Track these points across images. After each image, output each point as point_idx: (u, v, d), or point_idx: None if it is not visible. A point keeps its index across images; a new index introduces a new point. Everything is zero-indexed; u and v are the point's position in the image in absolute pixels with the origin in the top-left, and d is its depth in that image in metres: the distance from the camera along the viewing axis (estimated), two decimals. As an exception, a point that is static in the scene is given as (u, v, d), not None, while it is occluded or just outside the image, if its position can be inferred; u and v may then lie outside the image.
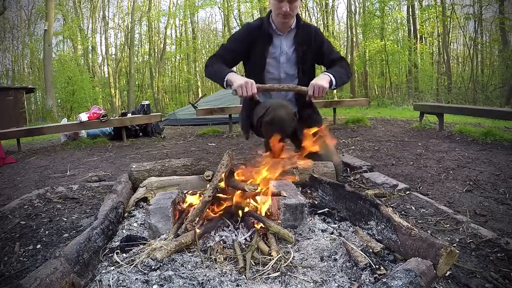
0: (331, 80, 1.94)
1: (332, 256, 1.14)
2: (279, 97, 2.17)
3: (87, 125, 4.83)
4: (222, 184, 1.44)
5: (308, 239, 1.28)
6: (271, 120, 1.90)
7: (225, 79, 1.94)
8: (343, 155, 2.77)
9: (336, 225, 1.42)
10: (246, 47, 2.12)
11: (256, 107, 2.12)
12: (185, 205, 1.51)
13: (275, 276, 1.03)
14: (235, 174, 1.48)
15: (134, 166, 2.00)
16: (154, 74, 23.12)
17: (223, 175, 1.43)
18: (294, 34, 2.13)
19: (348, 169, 2.39)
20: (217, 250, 1.18)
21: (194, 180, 1.86)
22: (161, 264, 1.08)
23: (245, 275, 1.04)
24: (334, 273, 1.05)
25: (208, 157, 3.28)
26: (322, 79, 1.93)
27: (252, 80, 1.85)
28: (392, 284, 0.84)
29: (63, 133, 5.12)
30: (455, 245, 1.26)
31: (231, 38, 2.20)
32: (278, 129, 1.91)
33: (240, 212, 1.38)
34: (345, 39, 19.84)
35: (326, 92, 1.91)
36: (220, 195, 1.43)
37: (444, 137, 3.97)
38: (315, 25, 2.55)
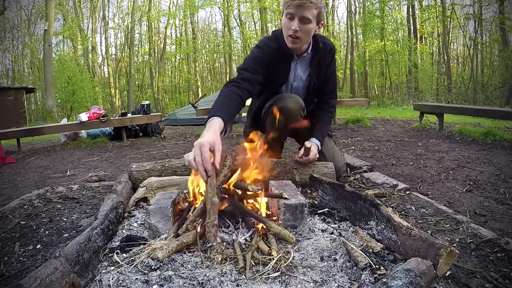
0: (318, 148, 1.97)
1: (332, 256, 1.14)
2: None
3: (87, 125, 4.84)
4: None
5: (308, 239, 1.28)
6: (279, 109, 1.88)
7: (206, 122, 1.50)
8: (343, 155, 2.77)
9: (336, 225, 1.42)
10: (266, 68, 1.91)
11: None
12: (185, 205, 1.51)
13: (275, 276, 1.03)
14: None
15: (134, 166, 2.00)
16: (154, 74, 23.13)
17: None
18: (310, 59, 2.00)
19: (348, 169, 2.39)
20: (217, 250, 1.18)
21: (194, 180, 1.85)
22: (161, 264, 1.08)
23: (245, 275, 1.04)
24: (334, 273, 1.05)
25: (208, 157, 3.28)
26: (314, 148, 1.91)
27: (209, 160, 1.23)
28: (392, 284, 0.84)
29: (63, 133, 5.12)
30: (455, 245, 1.26)
31: (251, 58, 1.92)
32: (284, 120, 1.88)
33: (240, 213, 1.38)
34: (345, 39, 19.86)
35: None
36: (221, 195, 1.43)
37: (444, 137, 3.97)
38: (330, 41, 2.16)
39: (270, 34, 2.05)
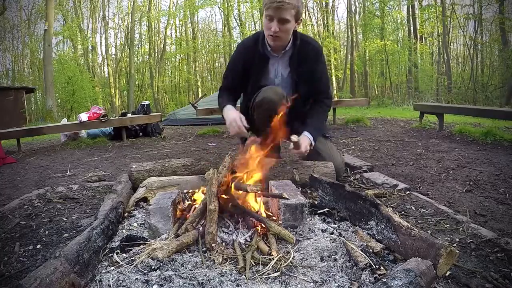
0: (311, 143, 1.96)
1: (332, 256, 1.14)
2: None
3: (87, 125, 4.83)
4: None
5: (308, 239, 1.28)
6: (261, 101, 1.93)
7: (222, 115, 2.03)
8: (343, 155, 2.77)
9: (336, 225, 1.42)
10: (244, 67, 2.07)
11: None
12: (185, 205, 1.51)
13: (275, 276, 1.03)
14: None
15: (134, 166, 2.00)
16: (154, 74, 23.12)
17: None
18: (290, 55, 2.03)
19: (348, 169, 2.39)
20: (217, 250, 1.18)
21: (194, 180, 1.86)
22: (161, 264, 1.08)
23: (245, 275, 1.04)
24: (334, 273, 1.05)
25: (208, 157, 3.28)
26: (305, 141, 1.92)
27: (238, 118, 1.88)
28: (392, 284, 0.84)
29: (63, 133, 5.12)
30: (455, 245, 1.26)
31: (230, 62, 2.19)
32: (268, 111, 1.90)
33: (240, 212, 1.38)
34: (345, 39, 19.85)
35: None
36: (221, 195, 1.43)
37: (444, 137, 3.97)
38: (317, 41, 2.28)
39: (253, 33, 2.15)
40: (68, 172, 3.04)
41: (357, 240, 1.25)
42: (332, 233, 1.33)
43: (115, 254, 1.18)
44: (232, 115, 1.91)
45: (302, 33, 2.06)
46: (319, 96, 2.13)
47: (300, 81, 2.06)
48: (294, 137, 1.82)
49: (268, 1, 1.80)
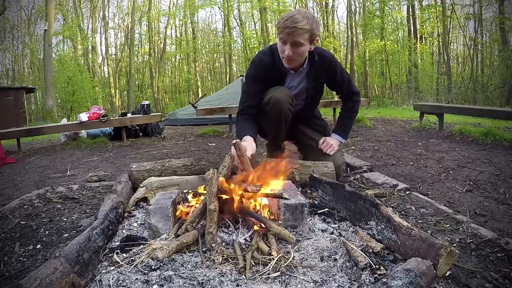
0: (341, 143, 2.21)
1: (332, 256, 1.14)
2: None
3: (87, 125, 4.83)
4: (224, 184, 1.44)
5: (308, 239, 1.29)
6: (268, 101, 1.96)
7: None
8: (343, 155, 2.77)
9: (336, 225, 1.42)
10: (263, 83, 2.06)
11: None
12: (185, 205, 1.51)
13: (275, 276, 1.03)
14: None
15: (134, 166, 2.00)
16: (154, 74, 23.11)
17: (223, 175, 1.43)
18: (307, 71, 2.07)
19: (348, 169, 2.39)
20: (217, 250, 1.18)
21: (194, 180, 1.86)
22: (161, 264, 1.08)
23: (245, 275, 1.04)
24: (334, 273, 1.05)
25: (208, 157, 3.28)
26: (334, 140, 2.16)
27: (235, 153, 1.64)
28: (392, 284, 0.84)
29: (63, 133, 5.12)
30: (455, 245, 1.26)
31: (249, 80, 2.11)
32: (276, 110, 1.96)
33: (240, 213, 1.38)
34: (345, 39, 19.85)
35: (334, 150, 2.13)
36: (221, 195, 1.43)
37: (444, 137, 3.97)
38: (330, 53, 2.27)
39: (267, 47, 2.12)
40: (68, 172, 3.04)
41: (357, 240, 1.25)
42: (332, 233, 1.33)
43: (115, 254, 1.18)
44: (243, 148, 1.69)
45: (318, 47, 2.04)
46: (346, 96, 2.27)
47: (315, 89, 2.15)
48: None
49: (281, 24, 1.77)
